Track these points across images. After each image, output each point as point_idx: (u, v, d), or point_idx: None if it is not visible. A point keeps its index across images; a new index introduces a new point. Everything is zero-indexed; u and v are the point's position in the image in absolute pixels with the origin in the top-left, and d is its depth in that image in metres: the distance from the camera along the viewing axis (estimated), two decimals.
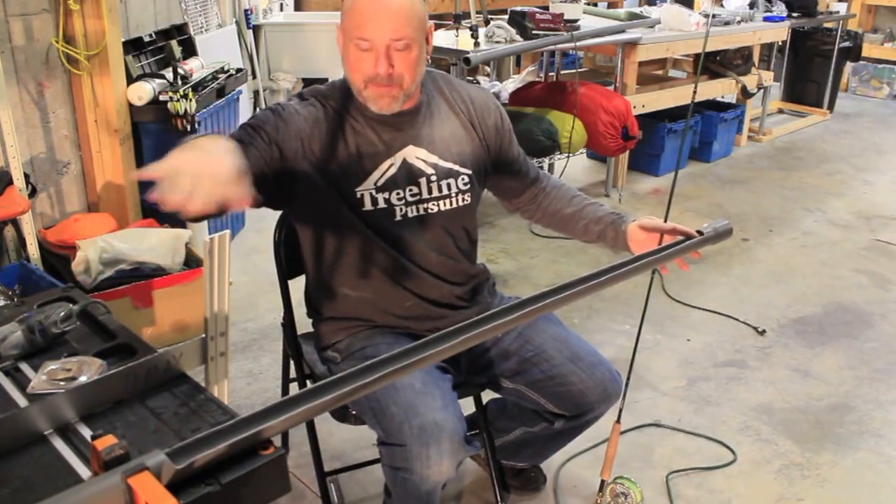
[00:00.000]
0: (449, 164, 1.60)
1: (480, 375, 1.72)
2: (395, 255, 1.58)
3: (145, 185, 1.06)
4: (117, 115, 2.86)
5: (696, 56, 4.99)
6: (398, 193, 1.56)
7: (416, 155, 1.57)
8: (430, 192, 1.59)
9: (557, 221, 1.76)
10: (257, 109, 4.36)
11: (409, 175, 1.57)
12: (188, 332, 2.63)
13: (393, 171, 1.55)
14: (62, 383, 1.21)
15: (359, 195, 1.54)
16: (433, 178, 1.59)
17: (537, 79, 4.68)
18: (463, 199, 1.62)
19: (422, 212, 1.59)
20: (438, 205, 1.60)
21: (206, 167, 1.08)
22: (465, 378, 1.70)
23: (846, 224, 3.95)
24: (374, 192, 1.54)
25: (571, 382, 1.62)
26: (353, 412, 1.60)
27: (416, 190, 1.58)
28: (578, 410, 1.66)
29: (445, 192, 1.60)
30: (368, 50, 1.44)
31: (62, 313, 1.35)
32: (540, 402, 1.67)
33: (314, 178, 1.51)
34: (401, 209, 1.57)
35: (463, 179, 1.62)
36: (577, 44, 3.65)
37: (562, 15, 3.66)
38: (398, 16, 1.42)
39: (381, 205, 1.55)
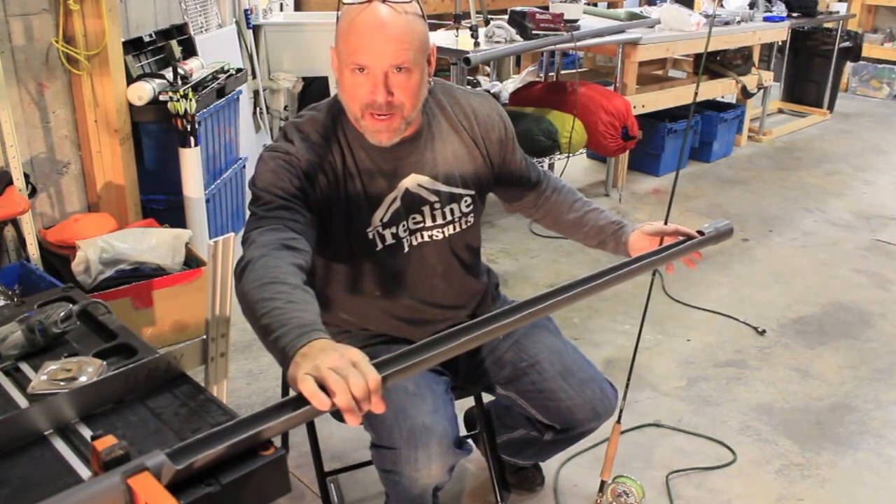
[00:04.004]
0: (451, 189, 1.54)
1: (476, 383, 1.71)
2: (400, 292, 1.56)
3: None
4: (117, 115, 2.86)
5: (696, 56, 4.99)
6: (403, 225, 1.52)
7: (417, 183, 1.51)
8: (433, 219, 1.54)
9: (558, 226, 1.75)
10: (258, 110, 4.36)
11: (411, 204, 1.51)
12: (188, 332, 2.63)
13: (397, 204, 1.50)
14: (62, 383, 1.21)
15: (370, 236, 1.50)
16: (437, 205, 1.53)
17: (537, 79, 4.68)
18: (466, 222, 1.58)
19: (426, 238, 1.55)
20: (443, 231, 1.55)
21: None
22: (462, 384, 1.69)
23: (846, 224, 3.95)
24: (380, 228, 1.50)
25: (560, 398, 1.59)
26: None
27: (419, 218, 1.53)
28: (567, 425, 1.65)
29: (449, 218, 1.55)
30: (366, 75, 1.34)
31: (62, 313, 1.35)
32: (530, 412, 1.66)
33: (330, 224, 1.47)
34: (406, 239, 1.53)
35: (466, 202, 1.56)
36: (577, 44, 3.64)
37: (562, 15, 3.66)
38: (397, 40, 1.31)
39: (390, 240, 1.51)
